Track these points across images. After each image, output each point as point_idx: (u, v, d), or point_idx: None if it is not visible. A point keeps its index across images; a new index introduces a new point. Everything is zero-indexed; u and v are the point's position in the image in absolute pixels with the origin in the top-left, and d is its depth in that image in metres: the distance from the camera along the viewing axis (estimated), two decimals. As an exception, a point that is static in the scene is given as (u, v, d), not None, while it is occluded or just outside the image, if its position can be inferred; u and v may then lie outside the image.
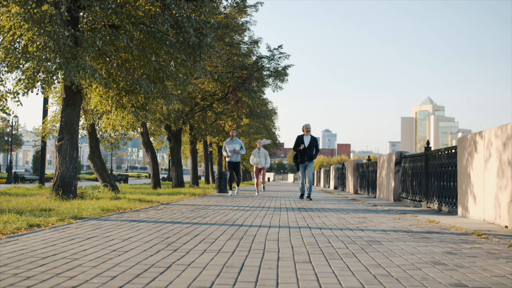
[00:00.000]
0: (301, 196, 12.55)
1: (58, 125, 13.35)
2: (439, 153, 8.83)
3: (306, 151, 12.04)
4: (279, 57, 20.06)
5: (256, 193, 15.77)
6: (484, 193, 6.31)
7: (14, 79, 8.35)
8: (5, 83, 8.45)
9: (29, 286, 2.43)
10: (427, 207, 9.13)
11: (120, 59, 9.92)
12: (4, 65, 8.17)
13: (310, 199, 11.82)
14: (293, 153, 12.81)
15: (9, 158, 39.50)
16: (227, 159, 15.00)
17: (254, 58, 20.63)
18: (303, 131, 12.32)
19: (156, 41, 9.38)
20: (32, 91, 8.31)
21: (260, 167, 16.62)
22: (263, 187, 17.94)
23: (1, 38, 8.22)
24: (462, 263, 3.28)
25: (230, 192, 14.90)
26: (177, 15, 9.12)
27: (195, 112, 19.94)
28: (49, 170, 45.41)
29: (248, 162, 42.60)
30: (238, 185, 15.49)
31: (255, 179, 16.62)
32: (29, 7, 7.61)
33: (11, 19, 7.72)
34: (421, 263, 3.27)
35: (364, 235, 4.75)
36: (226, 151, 14.76)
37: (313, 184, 12.67)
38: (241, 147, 14.80)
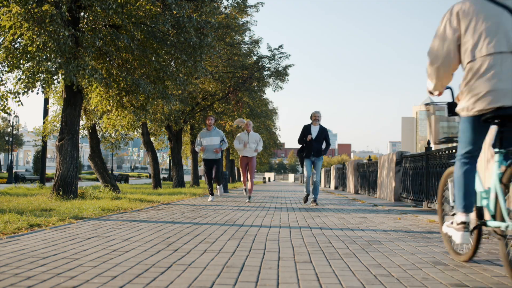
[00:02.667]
0: (306, 198, 10.25)
1: (58, 125, 13.38)
2: (440, 153, 8.82)
3: (313, 144, 9.82)
4: (280, 57, 20.08)
5: (246, 198, 11.40)
6: (484, 193, 6.30)
7: (14, 79, 8.36)
8: (6, 83, 8.46)
9: (29, 286, 2.43)
10: (428, 207, 9.13)
11: (120, 59, 9.93)
12: (4, 64, 8.18)
13: (316, 204, 9.73)
14: (294, 151, 10.76)
15: (9, 158, 39.54)
16: (202, 156, 11.44)
17: (254, 58, 20.64)
18: (311, 119, 10.09)
19: (157, 41, 9.39)
20: (32, 91, 8.32)
21: (249, 156, 11.11)
22: (249, 197, 11.11)
23: (2, 38, 8.24)
24: (463, 263, 3.28)
25: (210, 198, 10.98)
26: (178, 15, 9.13)
27: (196, 112, 19.96)
28: (50, 170, 45.50)
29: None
30: (219, 185, 12.09)
31: (242, 176, 11.59)
32: (29, 7, 7.62)
33: (12, 19, 7.73)
34: (422, 263, 3.26)
35: (365, 235, 4.75)
36: (199, 145, 11.21)
37: (319, 184, 10.11)
38: (222, 140, 11.23)
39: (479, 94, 2.89)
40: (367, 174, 16.17)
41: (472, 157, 3.09)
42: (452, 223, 3.17)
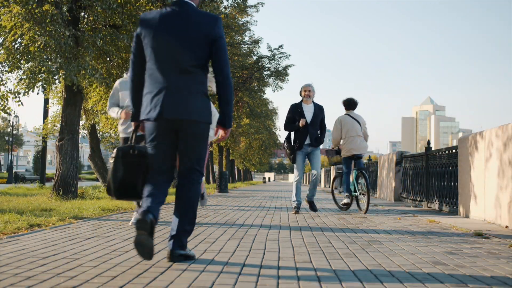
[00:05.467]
0: (297, 209, 7.38)
1: (58, 125, 13.39)
2: (440, 153, 8.82)
3: (308, 129, 7.33)
4: (280, 57, 20.09)
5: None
6: (484, 193, 6.30)
7: (15, 79, 8.37)
8: (6, 83, 8.47)
9: (29, 286, 2.43)
10: (428, 207, 9.13)
11: (120, 59, 9.93)
12: (5, 65, 8.19)
13: (313, 209, 7.54)
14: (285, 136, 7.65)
15: (9, 158, 39.54)
16: (120, 129, 5.52)
17: (254, 58, 20.65)
18: (300, 95, 7.59)
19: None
20: (33, 91, 8.32)
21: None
22: (202, 196, 6.56)
23: (3, 39, 8.24)
24: (463, 263, 3.28)
25: (137, 216, 3.09)
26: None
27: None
28: (50, 170, 45.50)
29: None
30: (138, 202, 5.20)
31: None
32: (30, 7, 7.61)
33: (13, 19, 7.73)
34: (422, 263, 3.26)
35: (365, 235, 4.75)
36: (116, 106, 5.48)
37: (318, 182, 7.71)
38: None
39: (345, 149, 7.86)
40: (367, 173, 16.16)
41: (348, 171, 7.85)
42: (344, 198, 7.99)
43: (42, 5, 7.72)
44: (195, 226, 5.37)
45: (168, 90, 3.07)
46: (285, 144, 7.59)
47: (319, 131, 7.53)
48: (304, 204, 7.85)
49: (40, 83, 8.19)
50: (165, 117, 3.05)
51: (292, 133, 7.53)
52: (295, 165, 7.52)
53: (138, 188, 3.15)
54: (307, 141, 7.36)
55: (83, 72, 8.09)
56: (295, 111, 7.45)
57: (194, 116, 3.09)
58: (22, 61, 8.10)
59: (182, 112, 3.06)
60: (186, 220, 3.18)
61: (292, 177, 8.90)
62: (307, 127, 7.34)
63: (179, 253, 3.18)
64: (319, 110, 7.53)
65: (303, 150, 7.39)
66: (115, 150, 3.19)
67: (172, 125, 3.10)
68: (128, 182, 3.14)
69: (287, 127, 7.52)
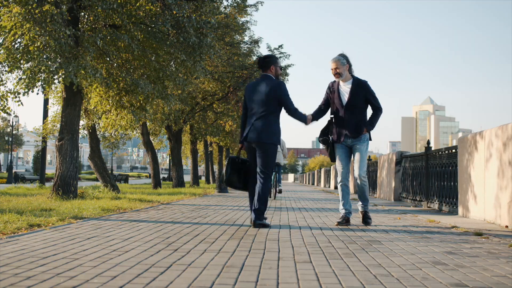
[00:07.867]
0: (344, 220, 5.64)
1: (58, 125, 13.37)
2: (440, 153, 8.83)
3: (345, 114, 5.57)
4: (280, 57, 20.04)
5: None
6: (484, 193, 6.31)
7: (15, 79, 8.36)
8: (6, 83, 8.46)
9: (29, 286, 2.43)
10: (428, 207, 9.13)
11: (120, 59, 9.92)
12: (5, 65, 8.18)
13: (367, 222, 5.67)
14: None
15: (9, 158, 39.51)
16: None
17: (254, 58, 20.62)
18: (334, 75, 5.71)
19: (156, 41, 9.38)
20: (32, 91, 8.31)
21: None
22: None
23: (2, 38, 8.23)
24: (463, 263, 3.28)
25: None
26: (177, 15, 9.12)
27: (196, 112, 19.94)
28: (50, 170, 45.43)
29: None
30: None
31: None
32: (30, 7, 7.61)
33: (12, 19, 7.72)
34: (422, 263, 3.26)
35: (365, 235, 4.76)
36: None
37: (367, 185, 5.78)
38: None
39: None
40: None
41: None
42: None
43: (42, 5, 7.72)
44: (196, 226, 5.40)
45: (252, 125, 5.44)
46: (319, 138, 5.86)
47: (372, 116, 5.67)
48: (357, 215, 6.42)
49: (39, 83, 8.18)
50: (249, 140, 5.47)
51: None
52: (336, 164, 5.76)
53: (236, 181, 5.65)
54: (345, 132, 5.58)
55: (83, 72, 8.09)
56: (330, 91, 5.72)
57: (262, 140, 5.36)
58: (22, 61, 8.09)
59: (257, 137, 5.38)
60: (260, 202, 5.36)
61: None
62: (342, 112, 5.57)
63: (258, 222, 5.31)
64: (358, 87, 5.56)
65: (343, 142, 5.62)
66: (228, 158, 5.70)
67: (252, 144, 5.49)
68: (232, 177, 5.64)
69: (315, 114, 5.82)
